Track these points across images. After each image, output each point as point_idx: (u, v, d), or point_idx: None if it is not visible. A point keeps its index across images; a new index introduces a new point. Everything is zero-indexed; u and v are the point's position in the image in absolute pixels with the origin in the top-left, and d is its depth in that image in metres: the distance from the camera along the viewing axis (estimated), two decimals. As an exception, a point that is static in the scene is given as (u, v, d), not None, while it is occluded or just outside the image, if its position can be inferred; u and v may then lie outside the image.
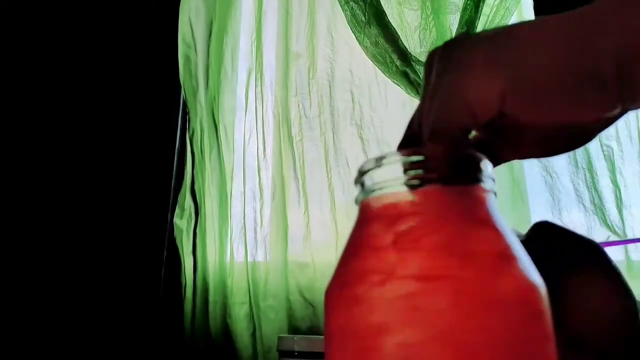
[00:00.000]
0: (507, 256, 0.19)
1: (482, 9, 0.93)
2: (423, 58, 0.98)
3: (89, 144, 1.23)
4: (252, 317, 0.95)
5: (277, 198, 1.02)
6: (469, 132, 0.23)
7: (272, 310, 0.95)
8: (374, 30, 1.03)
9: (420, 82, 0.96)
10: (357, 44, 1.05)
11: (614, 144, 0.91)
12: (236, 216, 1.06)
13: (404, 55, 0.99)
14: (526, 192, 0.96)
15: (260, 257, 1.02)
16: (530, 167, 0.98)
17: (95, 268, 1.13)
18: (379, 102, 1.06)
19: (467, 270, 0.18)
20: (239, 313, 0.96)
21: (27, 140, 1.26)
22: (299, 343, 0.68)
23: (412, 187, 0.21)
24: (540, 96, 0.21)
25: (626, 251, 0.87)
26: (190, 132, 1.15)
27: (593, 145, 0.91)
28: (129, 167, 1.20)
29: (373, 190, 0.21)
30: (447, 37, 0.98)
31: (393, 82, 1.00)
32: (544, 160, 0.93)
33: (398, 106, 1.04)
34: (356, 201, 0.22)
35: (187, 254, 1.05)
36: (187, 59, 1.20)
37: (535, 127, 0.24)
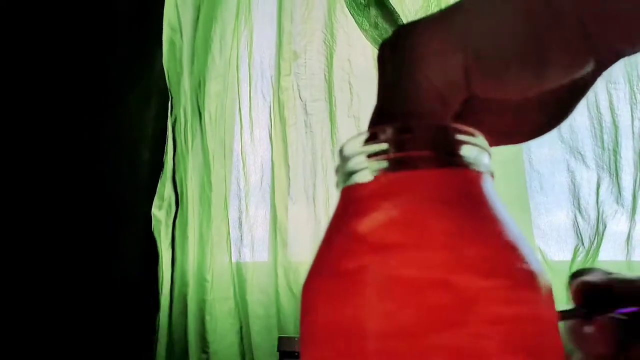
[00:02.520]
0: (509, 249, 0.17)
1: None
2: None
3: (67, 130, 1.14)
4: (239, 313, 0.86)
5: (267, 186, 0.95)
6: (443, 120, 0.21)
7: (261, 305, 0.86)
8: (373, 12, 0.99)
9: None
10: (356, 33, 1.01)
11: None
12: (219, 206, 0.98)
13: (405, 36, 0.94)
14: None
15: (246, 251, 0.94)
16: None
17: (70, 261, 1.03)
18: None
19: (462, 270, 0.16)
20: (221, 309, 0.87)
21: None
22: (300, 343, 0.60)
23: (391, 170, 0.19)
24: (502, 66, 0.19)
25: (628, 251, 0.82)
26: (173, 118, 1.08)
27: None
28: (108, 154, 1.11)
29: (352, 174, 0.20)
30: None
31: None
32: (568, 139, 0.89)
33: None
34: (337, 186, 0.21)
35: (165, 248, 0.96)
36: (172, 43, 1.14)
37: (507, 103, 0.22)
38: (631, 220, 0.82)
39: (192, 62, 1.11)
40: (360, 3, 1.00)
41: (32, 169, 1.11)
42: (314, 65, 1.02)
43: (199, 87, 1.09)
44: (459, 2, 0.21)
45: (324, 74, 1.01)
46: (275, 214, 0.93)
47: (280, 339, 0.66)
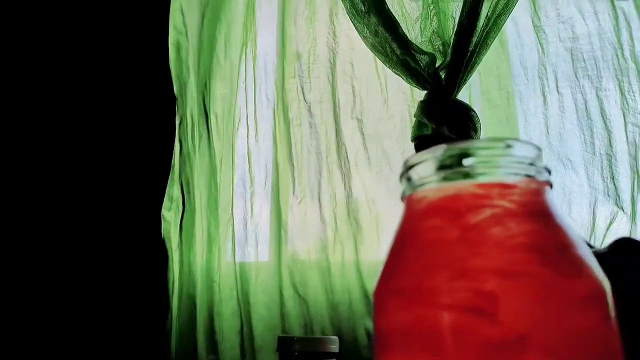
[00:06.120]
0: (572, 252, 0.19)
1: (485, -5, 0.91)
2: (424, 47, 0.96)
3: (74, 134, 1.18)
4: (240, 314, 0.90)
5: (270, 186, 0.98)
6: None
7: (264, 306, 0.90)
8: (373, 20, 0.99)
9: (421, 71, 0.93)
10: (358, 37, 1.02)
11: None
12: (225, 206, 1.01)
13: (405, 44, 0.95)
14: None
15: (250, 251, 0.97)
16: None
17: (81, 262, 1.07)
18: (379, 95, 1.03)
19: (545, 267, 0.18)
20: (226, 310, 0.91)
21: (8, 126, 1.20)
22: (299, 343, 0.65)
23: (468, 179, 0.20)
24: None
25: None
26: (179, 120, 1.10)
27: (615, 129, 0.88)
28: (116, 157, 1.15)
29: (424, 184, 0.21)
30: (449, 26, 0.95)
31: (393, 72, 0.97)
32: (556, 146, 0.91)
33: (398, 98, 1.02)
34: (403, 196, 0.22)
35: (174, 248, 1.00)
36: (178, 45, 1.15)
37: None
38: (632, 223, 0.83)
39: (198, 64, 1.12)
40: (361, 10, 1.01)
41: (38, 173, 1.15)
42: (318, 68, 1.04)
43: (205, 88, 1.10)
44: None
45: (328, 77, 1.03)
46: (279, 213, 0.96)
47: (279, 338, 0.65)
